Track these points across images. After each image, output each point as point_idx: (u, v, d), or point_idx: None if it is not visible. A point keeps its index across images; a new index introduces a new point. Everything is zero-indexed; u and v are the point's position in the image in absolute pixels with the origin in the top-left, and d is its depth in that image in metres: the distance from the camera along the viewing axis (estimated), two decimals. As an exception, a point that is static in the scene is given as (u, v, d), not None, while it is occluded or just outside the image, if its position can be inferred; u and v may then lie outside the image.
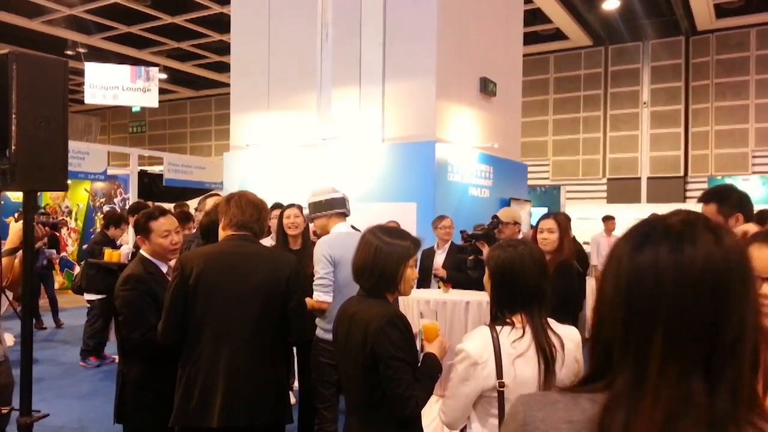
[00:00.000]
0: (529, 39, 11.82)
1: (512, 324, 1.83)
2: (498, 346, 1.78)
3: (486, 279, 1.96)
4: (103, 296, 5.99)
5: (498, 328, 1.82)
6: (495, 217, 5.21)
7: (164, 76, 15.97)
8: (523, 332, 1.81)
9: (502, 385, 1.76)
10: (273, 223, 4.47)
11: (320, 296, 3.20)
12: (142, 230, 2.85)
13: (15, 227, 2.71)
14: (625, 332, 0.76)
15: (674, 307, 0.73)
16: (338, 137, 6.96)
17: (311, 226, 3.85)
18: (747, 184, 12.34)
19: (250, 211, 2.62)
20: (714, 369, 0.72)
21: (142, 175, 11.59)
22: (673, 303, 0.73)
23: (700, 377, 0.72)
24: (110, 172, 11.31)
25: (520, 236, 5.17)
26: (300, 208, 4.14)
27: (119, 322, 2.75)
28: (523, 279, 1.86)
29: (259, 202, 2.70)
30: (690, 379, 0.72)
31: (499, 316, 1.88)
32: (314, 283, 3.23)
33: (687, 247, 0.75)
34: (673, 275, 0.74)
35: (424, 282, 5.19)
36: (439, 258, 5.39)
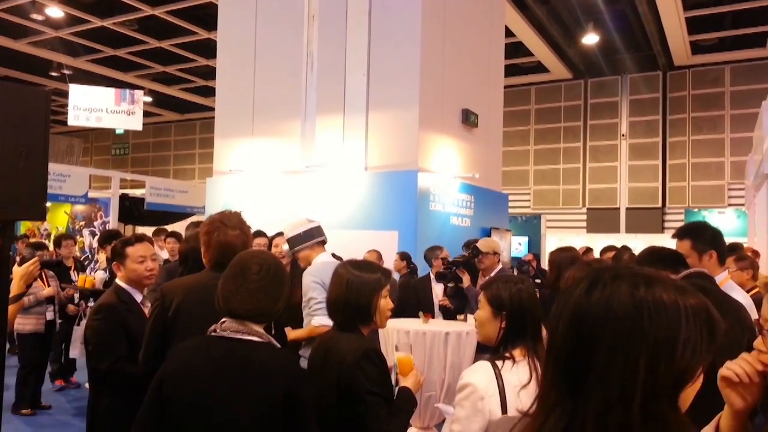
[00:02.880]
0: (510, 71, 12.06)
1: (512, 358, 1.86)
2: (501, 380, 1.80)
3: (487, 315, 1.96)
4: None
5: (498, 362, 1.84)
6: (475, 247, 5.25)
7: (149, 99, 15.97)
8: (528, 366, 1.83)
9: None
10: None
11: (323, 320, 3.08)
12: (118, 256, 2.85)
13: (18, 273, 2.54)
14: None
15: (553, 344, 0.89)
16: (321, 165, 7.00)
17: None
18: (723, 216, 12.60)
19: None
20: (577, 404, 0.83)
21: (123, 198, 11.51)
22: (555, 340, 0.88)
23: (567, 412, 0.84)
24: (91, 195, 11.23)
25: (500, 266, 5.21)
26: None
27: (89, 352, 2.73)
28: (532, 313, 1.92)
29: (243, 225, 2.67)
30: (556, 410, 0.85)
31: (499, 350, 1.90)
32: (313, 308, 3.20)
33: (574, 294, 0.88)
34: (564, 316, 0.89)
35: (427, 312, 5.11)
36: (438, 288, 5.38)
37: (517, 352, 1.87)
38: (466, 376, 1.86)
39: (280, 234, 4.17)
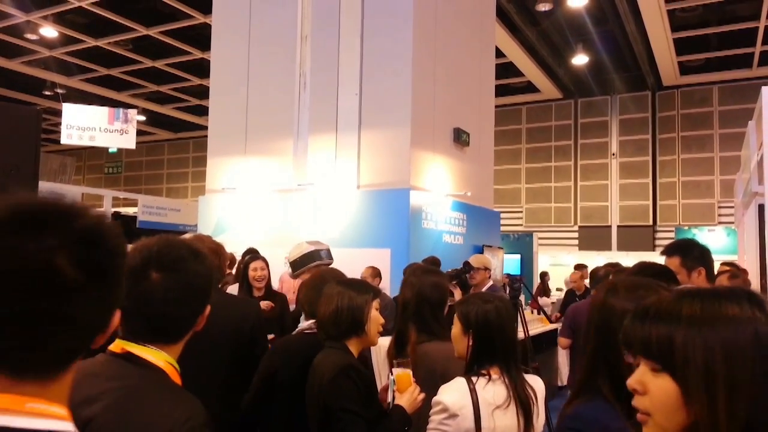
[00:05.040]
0: (501, 91, 12.21)
1: (488, 376, 1.85)
2: (476, 398, 1.79)
3: (458, 332, 1.97)
4: None
5: (474, 379, 1.84)
6: (467, 263, 5.28)
7: (143, 118, 16.00)
8: (505, 385, 1.83)
9: None
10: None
11: None
12: None
13: None
14: None
15: None
16: (314, 183, 7.02)
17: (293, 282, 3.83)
18: (713, 234, 12.68)
19: (210, 258, 2.62)
20: None
21: (115, 216, 11.47)
22: None
23: None
24: (83, 213, 11.17)
25: (491, 282, 5.24)
26: (265, 260, 4.13)
27: None
28: (502, 332, 1.91)
29: (217, 247, 2.69)
30: None
31: (474, 368, 1.90)
32: None
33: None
34: None
35: None
36: None
37: (493, 371, 1.87)
38: (441, 393, 1.86)
39: (256, 258, 4.15)
